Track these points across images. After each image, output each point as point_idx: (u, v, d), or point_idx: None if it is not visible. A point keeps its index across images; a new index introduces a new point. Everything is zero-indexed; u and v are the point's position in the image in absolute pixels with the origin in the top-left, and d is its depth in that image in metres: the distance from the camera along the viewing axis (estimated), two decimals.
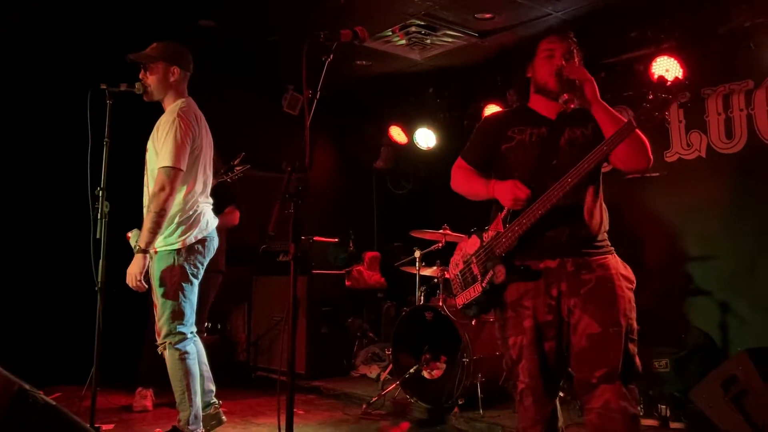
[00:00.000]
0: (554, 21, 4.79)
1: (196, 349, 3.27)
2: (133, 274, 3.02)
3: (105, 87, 3.10)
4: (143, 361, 4.38)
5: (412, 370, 4.36)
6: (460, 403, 4.15)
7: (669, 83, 2.05)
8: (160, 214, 3.03)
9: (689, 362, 4.11)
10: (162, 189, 3.04)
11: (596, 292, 2.20)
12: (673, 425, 3.79)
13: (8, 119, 5.13)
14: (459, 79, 6.11)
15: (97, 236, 3.02)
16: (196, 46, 4.53)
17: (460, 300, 2.45)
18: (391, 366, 4.72)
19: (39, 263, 5.17)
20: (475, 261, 2.39)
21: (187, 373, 3.19)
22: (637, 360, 2.21)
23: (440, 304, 4.55)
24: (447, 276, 4.65)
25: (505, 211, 2.30)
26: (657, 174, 5.02)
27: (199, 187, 3.26)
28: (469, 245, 2.45)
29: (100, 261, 3.04)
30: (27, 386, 2.19)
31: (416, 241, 4.97)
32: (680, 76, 4.42)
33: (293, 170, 1.92)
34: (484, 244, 2.36)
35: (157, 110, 3.28)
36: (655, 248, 4.89)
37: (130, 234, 3.28)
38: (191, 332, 3.26)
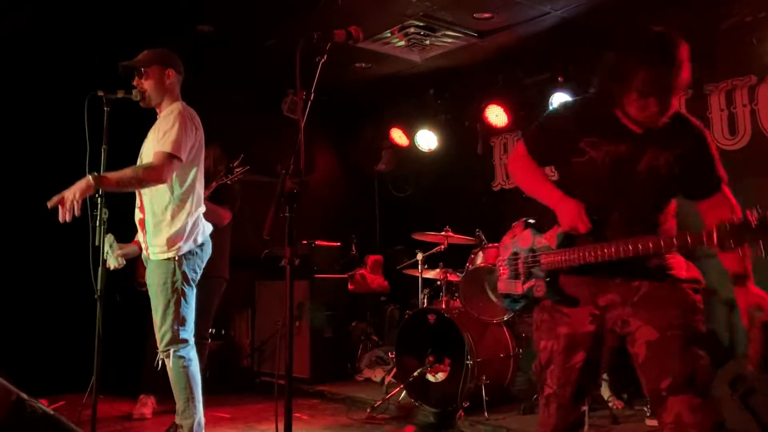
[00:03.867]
0: (553, 20, 4.77)
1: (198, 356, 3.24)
2: (72, 190, 2.79)
3: (102, 94, 3.08)
4: (145, 368, 4.36)
5: (416, 374, 4.33)
6: (465, 406, 4.11)
7: (755, 223, 1.83)
8: (138, 182, 2.96)
9: None
10: (153, 170, 2.94)
11: (650, 295, 2.06)
12: None
13: (5, 127, 5.12)
14: (459, 80, 6.09)
15: (96, 243, 3.00)
16: (194, 51, 4.53)
17: (502, 286, 2.35)
18: (395, 369, 4.69)
19: (40, 271, 5.15)
20: (522, 258, 2.28)
21: (190, 380, 3.15)
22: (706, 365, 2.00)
23: (443, 306, 4.53)
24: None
25: (560, 230, 2.16)
26: None
27: (198, 193, 3.24)
28: (521, 237, 2.31)
29: (99, 268, 3.02)
30: (25, 396, 2.17)
31: (419, 243, 4.94)
32: None
33: (287, 173, 1.89)
34: (534, 247, 2.24)
35: (154, 117, 3.27)
36: None
37: (104, 238, 3.25)
38: (192, 338, 3.23)
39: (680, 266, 2.14)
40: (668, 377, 1.98)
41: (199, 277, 3.26)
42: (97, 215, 3.02)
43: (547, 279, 2.17)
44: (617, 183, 2.07)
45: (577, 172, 2.14)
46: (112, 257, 3.30)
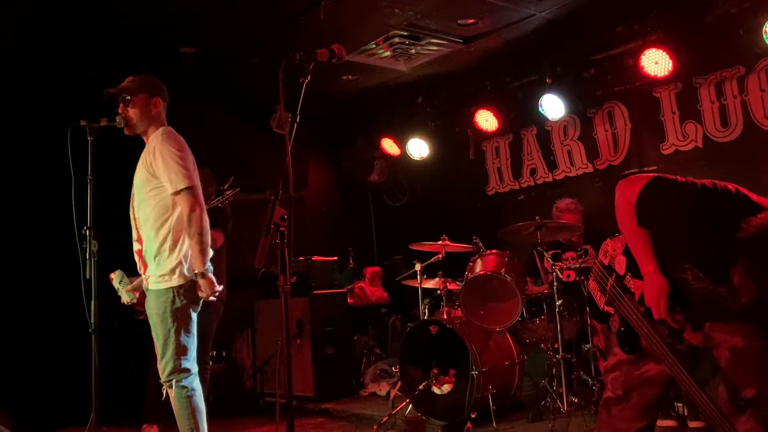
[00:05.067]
0: (538, 22, 4.74)
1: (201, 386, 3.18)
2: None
3: (85, 123, 3.03)
4: (147, 397, 4.30)
5: (421, 387, 4.26)
6: (473, 416, 4.05)
7: None
8: (202, 234, 3.01)
9: (704, 358, 4.02)
10: (193, 210, 3.01)
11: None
12: (692, 424, 3.68)
13: None
14: (447, 87, 6.06)
15: (87, 276, 2.94)
16: (179, 72, 4.48)
17: (592, 285, 2.37)
18: (400, 383, 4.62)
19: (39, 303, 5.07)
20: (612, 282, 2.23)
21: (194, 411, 3.08)
22: None
23: (445, 316, 4.47)
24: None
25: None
26: (654, 168, 4.96)
27: None
28: (618, 260, 2.25)
29: (92, 302, 2.96)
30: None
31: (416, 253, 4.89)
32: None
33: (276, 199, 1.85)
34: (624, 282, 2.20)
35: (139, 143, 3.21)
36: None
37: (113, 275, 3.20)
38: (195, 367, 3.17)
39: None
40: (752, 387, 1.91)
41: (200, 304, 3.20)
42: (86, 248, 2.97)
43: (622, 329, 2.19)
44: (708, 309, 1.99)
45: (677, 281, 2.03)
46: (124, 292, 3.26)
